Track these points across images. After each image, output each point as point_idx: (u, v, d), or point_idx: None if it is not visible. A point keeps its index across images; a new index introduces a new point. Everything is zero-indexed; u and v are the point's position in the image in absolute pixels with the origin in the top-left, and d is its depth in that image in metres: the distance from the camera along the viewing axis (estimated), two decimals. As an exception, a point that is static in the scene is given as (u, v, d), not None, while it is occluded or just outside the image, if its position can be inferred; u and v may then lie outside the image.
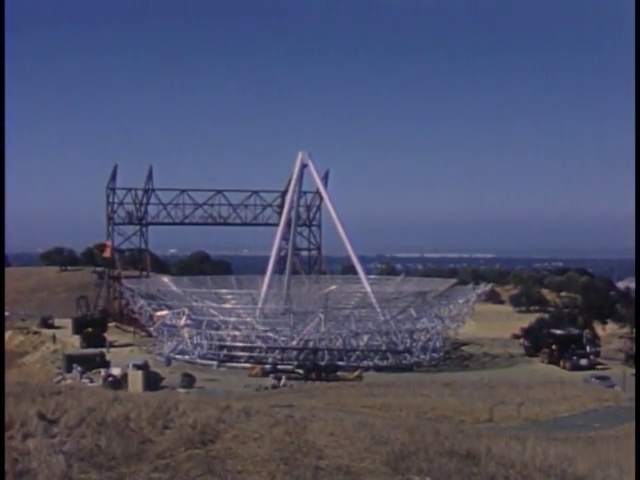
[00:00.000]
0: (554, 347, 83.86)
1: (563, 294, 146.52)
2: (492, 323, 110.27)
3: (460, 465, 8.82)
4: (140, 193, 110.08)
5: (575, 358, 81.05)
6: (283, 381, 67.84)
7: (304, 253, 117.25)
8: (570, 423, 34.63)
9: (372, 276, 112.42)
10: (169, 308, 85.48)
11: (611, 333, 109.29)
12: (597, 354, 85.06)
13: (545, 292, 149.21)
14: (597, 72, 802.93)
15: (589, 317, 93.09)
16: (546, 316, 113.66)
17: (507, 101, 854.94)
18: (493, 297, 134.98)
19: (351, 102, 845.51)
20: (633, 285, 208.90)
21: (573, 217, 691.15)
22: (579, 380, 69.30)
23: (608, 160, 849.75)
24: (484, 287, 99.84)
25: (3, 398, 11.38)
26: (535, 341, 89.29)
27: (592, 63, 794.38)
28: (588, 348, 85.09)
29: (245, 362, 78.66)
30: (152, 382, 63.36)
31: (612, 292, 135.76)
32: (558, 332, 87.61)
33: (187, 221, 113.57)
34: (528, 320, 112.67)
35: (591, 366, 79.41)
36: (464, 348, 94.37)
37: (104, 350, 79.39)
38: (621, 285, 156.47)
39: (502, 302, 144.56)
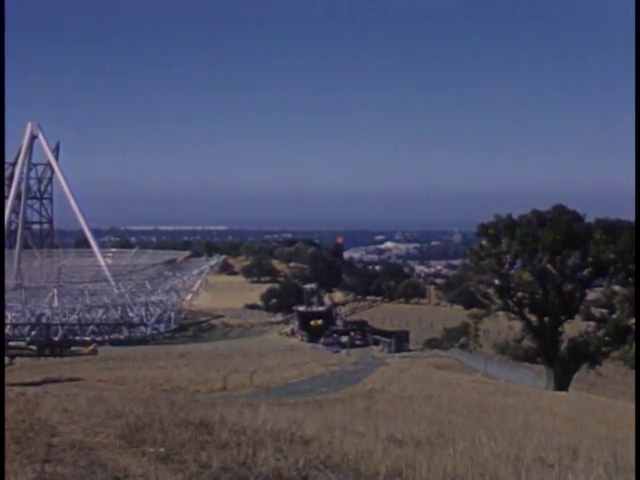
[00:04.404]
0: (313, 324, 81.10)
1: (292, 265, 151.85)
2: (225, 294, 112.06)
3: (194, 434, 9.02)
4: None
5: (336, 336, 79.63)
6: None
7: (35, 227, 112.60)
8: (299, 388, 36.07)
9: (112, 249, 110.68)
10: None
11: (340, 301, 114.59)
12: (358, 330, 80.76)
13: (275, 263, 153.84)
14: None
15: (318, 287, 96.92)
16: (277, 286, 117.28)
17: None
18: (226, 268, 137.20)
19: (81, 71, 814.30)
20: (357, 255, 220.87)
21: (302, 191, 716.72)
22: (308, 347, 72.49)
23: (326, 136, 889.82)
24: (217, 259, 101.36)
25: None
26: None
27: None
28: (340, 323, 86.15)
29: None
30: None
31: (337, 262, 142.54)
32: (304, 309, 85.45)
33: None
34: (260, 290, 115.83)
35: (352, 343, 75.00)
36: (203, 319, 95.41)
37: None
38: (345, 255, 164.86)
39: (235, 273, 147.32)
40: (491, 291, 52.49)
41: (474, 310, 56.60)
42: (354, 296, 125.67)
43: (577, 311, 51.64)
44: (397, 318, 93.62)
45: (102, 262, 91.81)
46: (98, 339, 76.34)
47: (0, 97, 15.08)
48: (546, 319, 51.15)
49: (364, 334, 79.14)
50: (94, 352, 68.56)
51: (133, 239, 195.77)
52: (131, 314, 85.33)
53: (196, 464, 7.26)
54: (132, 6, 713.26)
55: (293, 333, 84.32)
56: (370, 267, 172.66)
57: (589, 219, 51.73)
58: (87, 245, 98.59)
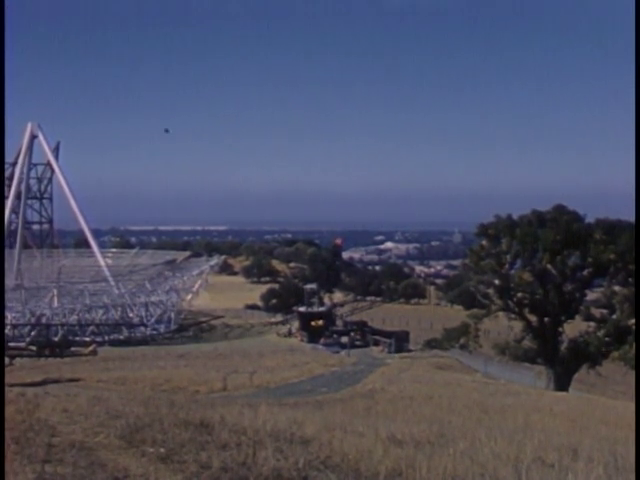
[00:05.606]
0: (314, 324, 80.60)
1: (292, 265, 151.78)
2: (225, 294, 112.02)
3: (194, 435, 9.00)
4: None
5: (336, 336, 79.34)
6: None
7: (35, 227, 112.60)
8: (299, 388, 36.08)
9: (112, 250, 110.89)
10: None
11: (338, 302, 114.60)
12: (358, 330, 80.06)
13: (275, 263, 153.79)
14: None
15: (318, 287, 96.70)
16: (277, 286, 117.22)
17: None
18: (226, 269, 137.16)
19: (81, 71, 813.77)
20: (357, 255, 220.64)
21: (302, 191, 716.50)
22: (308, 348, 72.44)
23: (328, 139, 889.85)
24: (217, 259, 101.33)
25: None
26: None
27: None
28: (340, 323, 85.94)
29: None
30: None
31: (337, 262, 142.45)
32: (304, 310, 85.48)
33: None
34: (260, 290, 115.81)
35: (352, 344, 74.37)
36: (203, 319, 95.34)
37: None
38: (345, 255, 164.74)
39: (235, 273, 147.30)
40: (491, 291, 52.43)
41: (474, 310, 56.55)
42: (354, 296, 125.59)
43: (577, 311, 51.61)
44: (397, 318, 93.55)
45: (102, 262, 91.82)
46: (98, 339, 76.24)
47: (0, 97, 15.10)
48: (546, 319, 51.12)
49: (364, 334, 79.03)
50: (94, 352, 68.54)
51: (133, 239, 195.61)
52: (131, 314, 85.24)
53: (196, 464, 7.24)
54: (133, 6, 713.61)
55: (290, 333, 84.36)
56: (370, 267, 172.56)
57: (589, 219, 51.74)
58: (87, 245, 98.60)
